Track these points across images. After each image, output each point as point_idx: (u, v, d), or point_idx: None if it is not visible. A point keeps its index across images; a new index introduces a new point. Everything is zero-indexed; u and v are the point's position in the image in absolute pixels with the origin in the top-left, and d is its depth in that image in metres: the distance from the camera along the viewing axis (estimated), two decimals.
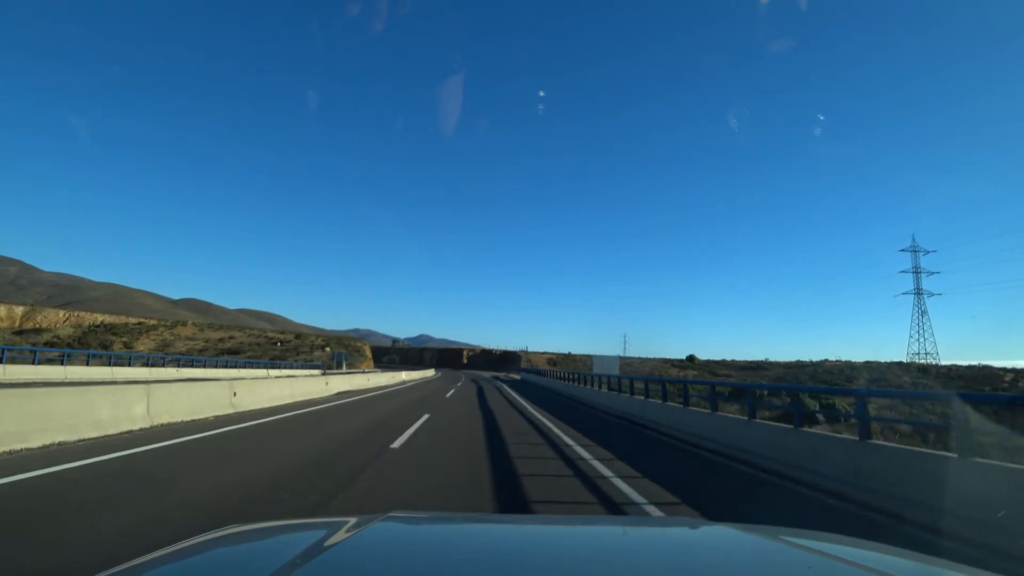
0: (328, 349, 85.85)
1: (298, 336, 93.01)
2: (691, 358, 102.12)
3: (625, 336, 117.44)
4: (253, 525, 1.53)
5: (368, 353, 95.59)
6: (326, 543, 1.18)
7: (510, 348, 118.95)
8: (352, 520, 1.44)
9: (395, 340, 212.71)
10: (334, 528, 1.34)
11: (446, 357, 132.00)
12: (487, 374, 72.92)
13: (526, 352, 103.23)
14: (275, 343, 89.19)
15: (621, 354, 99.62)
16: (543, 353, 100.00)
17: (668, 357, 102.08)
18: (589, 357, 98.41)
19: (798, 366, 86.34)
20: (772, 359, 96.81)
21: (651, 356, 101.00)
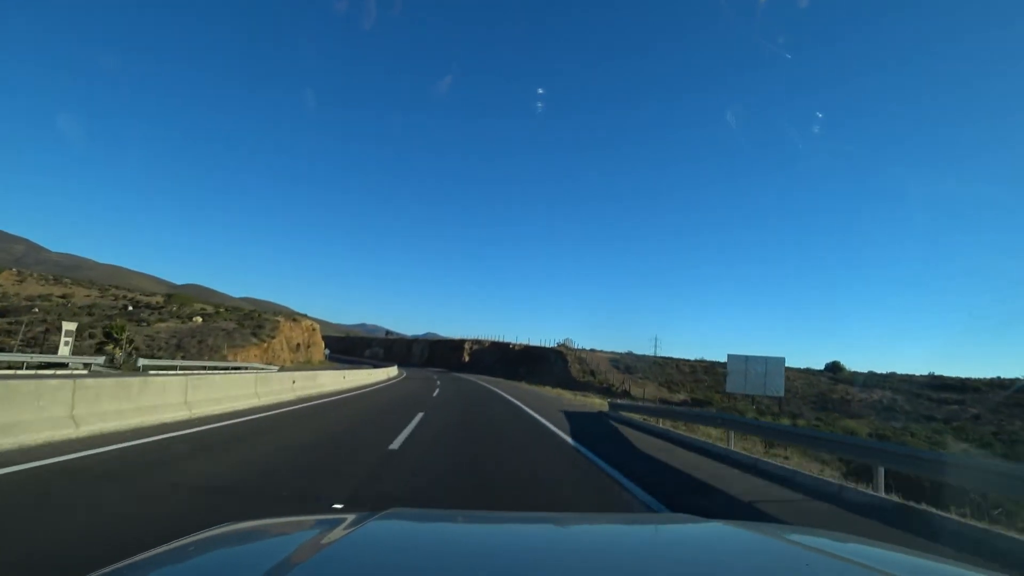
0: (198, 319, 45.73)
1: (169, 297, 53.53)
2: (835, 366, 60.27)
3: (656, 338, 71.35)
4: (250, 523, 1.46)
5: (295, 333, 55.34)
6: (324, 540, 1.15)
7: (534, 343, 77.50)
8: (351, 517, 1.40)
9: (388, 332, 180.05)
10: (332, 525, 1.31)
11: (439, 351, 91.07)
12: (517, 399, 22.78)
13: (569, 348, 61.66)
14: (125, 307, 50.11)
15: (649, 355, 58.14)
16: (596, 351, 58.20)
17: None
18: (677, 362, 56.55)
19: None
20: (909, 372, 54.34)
21: (688, 357, 58.52)
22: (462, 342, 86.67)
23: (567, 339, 65.89)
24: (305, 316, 64.62)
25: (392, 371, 44.05)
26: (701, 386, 47.98)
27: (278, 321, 50.87)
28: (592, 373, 45.58)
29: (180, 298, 52.55)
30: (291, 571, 0.89)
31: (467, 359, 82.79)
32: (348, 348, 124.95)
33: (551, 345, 66.34)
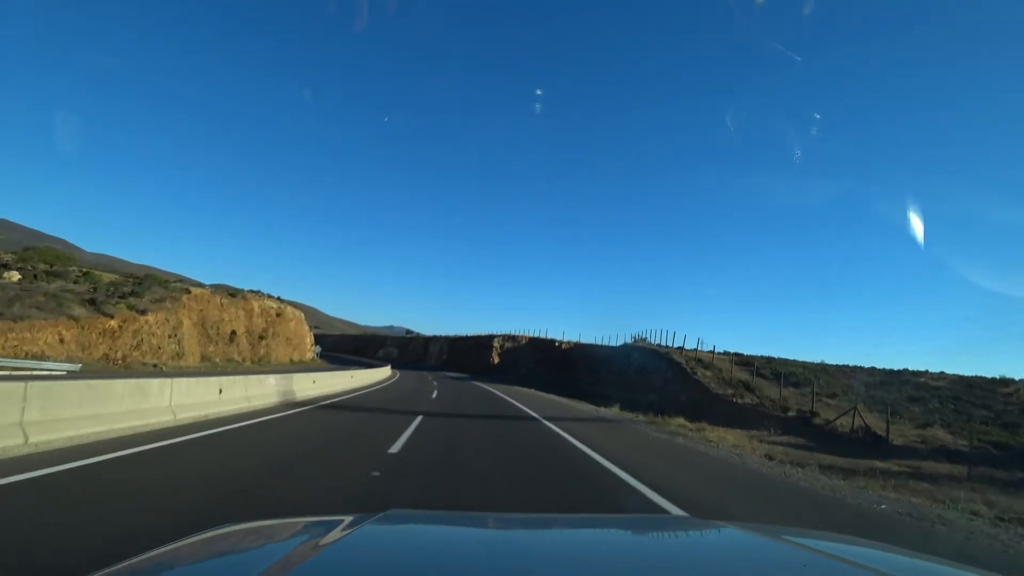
0: (12, 276, 25.51)
1: (26, 251, 34.02)
2: None
3: (699, 340, 43.08)
4: (247, 524, 1.44)
5: (226, 315, 35.08)
6: (321, 542, 1.13)
7: (587, 340, 55.48)
8: (348, 519, 1.36)
9: (408, 331, 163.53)
10: (330, 527, 1.28)
11: (461, 351, 69.96)
12: None
13: (653, 346, 39.07)
14: None
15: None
16: (722, 354, 35.18)
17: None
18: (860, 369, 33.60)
19: None
20: None
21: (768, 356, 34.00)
22: (490, 339, 65.39)
23: (645, 331, 43.62)
24: (263, 295, 44.40)
25: (368, 376, 24.56)
26: (946, 412, 25.19)
27: (182, 291, 30.45)
28: (746, 386, 23.36)
29: (44, 253, 33.20)
30: (288, 573, 0.88)
31: (496, 360, 61.45)
32: (360, 347, 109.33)
33: (616, 343, 44.26)
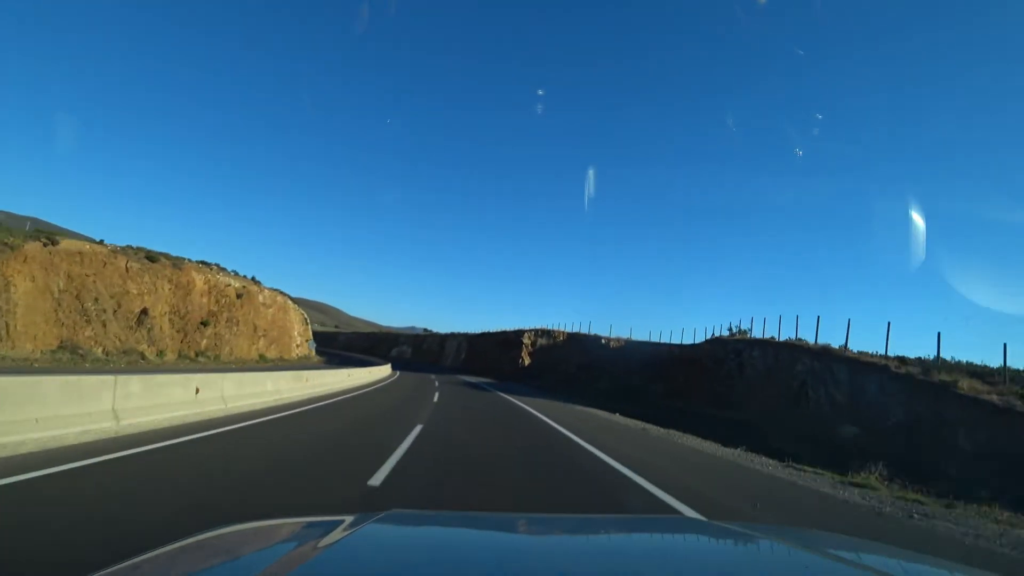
0: None
1: None
2: None
3: (849, 321, 29.62)
4: (248, 524, 1.42)
5: (136, 287, 23.31)
6: (321, 543, 1.11)
7: (638, 336, 42.52)
8: (349, 519, 1.34)
9: (425, 329, 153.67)
10: (330, 527, 1.27)
11: (482, 349, 57.53)
12: None
13: (828, 346, 25.89)
14: None
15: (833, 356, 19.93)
16: (856, 353, 21.90)
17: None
18: None
19: None
20: None
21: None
22: (519, 335, 52.79)
23: (738, 321, 30.66)
24: (215, 267, 32.94)
25: (299, 385, 11.83)
26: None
27: (27, 236, 18.77)
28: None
29: None
30: (288, 574, 0.87)
31: (527, 362, 48.84)
32: (373, 345, 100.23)
33: (727, 333, 31.05)
